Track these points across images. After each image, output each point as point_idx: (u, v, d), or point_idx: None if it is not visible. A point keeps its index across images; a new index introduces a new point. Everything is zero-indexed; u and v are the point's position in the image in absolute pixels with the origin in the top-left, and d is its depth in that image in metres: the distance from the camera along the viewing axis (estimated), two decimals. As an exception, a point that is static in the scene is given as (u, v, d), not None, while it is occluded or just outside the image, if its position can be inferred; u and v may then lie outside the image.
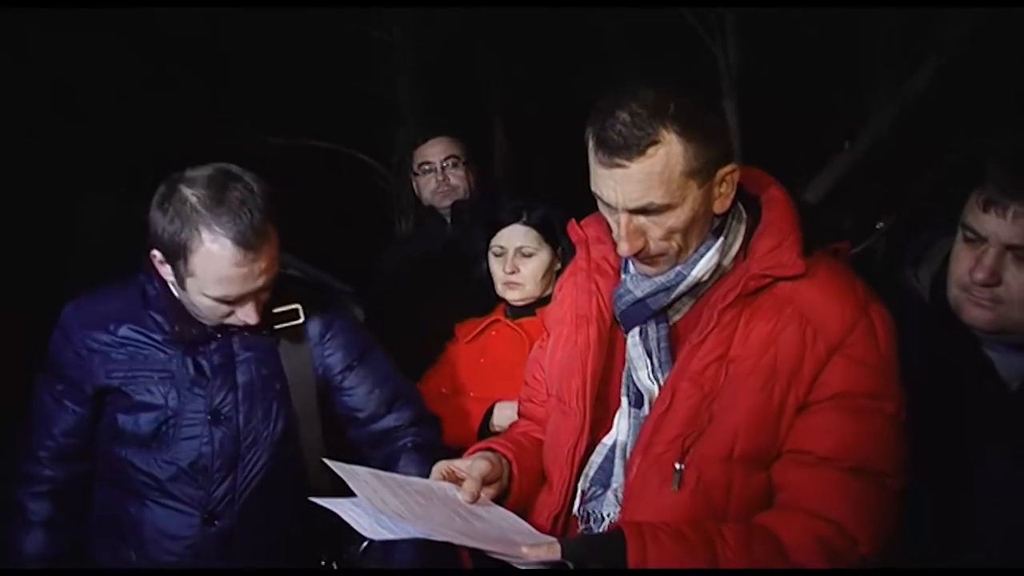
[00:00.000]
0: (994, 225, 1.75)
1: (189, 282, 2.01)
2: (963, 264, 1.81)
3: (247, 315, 2.05)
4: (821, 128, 4.21)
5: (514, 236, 2.71)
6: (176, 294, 2.12)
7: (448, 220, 3.29)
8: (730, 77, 4.01)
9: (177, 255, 1.99)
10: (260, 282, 2.02)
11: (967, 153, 3.51)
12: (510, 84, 4.95)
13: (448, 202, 3.26)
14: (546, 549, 1.46)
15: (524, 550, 1.46)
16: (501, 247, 2.73)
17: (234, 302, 2.03)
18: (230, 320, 2.07)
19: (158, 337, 2.13)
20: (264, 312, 2.12)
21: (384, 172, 4.81)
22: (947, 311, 1.87)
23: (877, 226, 4.08)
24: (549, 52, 4.66)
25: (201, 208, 1.94)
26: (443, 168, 3.29)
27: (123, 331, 2.13)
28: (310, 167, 4.50)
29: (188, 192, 1.96)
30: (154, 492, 2.11)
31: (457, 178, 3.30)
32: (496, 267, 2.74)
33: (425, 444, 2.27)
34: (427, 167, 3.32)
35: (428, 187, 3.31)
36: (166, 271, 2.06)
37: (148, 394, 2.10)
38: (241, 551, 2.14)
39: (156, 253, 2.04)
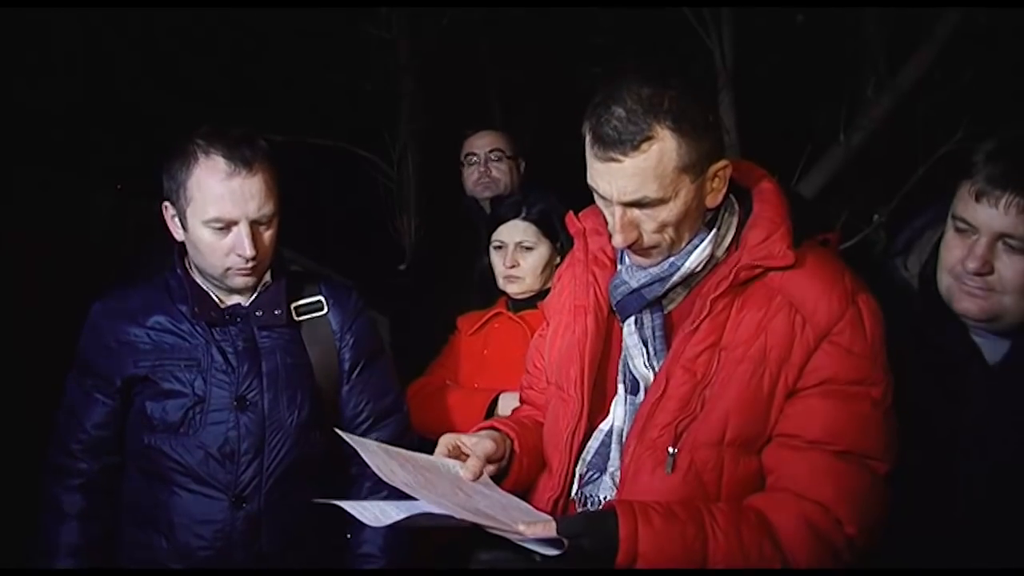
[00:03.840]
0: (986, 215, 1.78)
1: (189, 214, 2.11)
2: (954, 254, 1.84)
3: (242, 244, 2.10)
4: (817, 121, 4.23)
5: (514, 231, 2.76)
6: (188, 258, 2.22)
7: (487, 211, 3.30)
8: (726, 71, 4.04)
9: (178, 185, 2.12)
10: (253, 206, 2.10)
11: (959, 146, 3.55)
12: (507, 80, 4.98)
13: (488, 194, 3.29)
14: (542, 526, 1.52)
15: (521, 527, 1.52)
16: (501, 241, 2.78)
17: (229, 227, 2.10)
18: (231, 262, 2.13)
19: (184, 327, 2.20)
20: (286, 302, 2.24)
21: (386, 168, 4.83)
22: (936, 299, 1.90)
23: (874, 217, 4.10)
24: (545, 49, 4.70)
25: (200, 141, 2.11)
26: (487, 160, 3.33)
27: (151, 322, 2.21)
28: (312, 164, 4.53)
29: (193, 137, 2.12)
30: (183, 478, 2.17)
31: (500, 171, 3.33)
32: (497, 261, 2.79)
33: None
34: (472, 159, 3.36)
35: (471, 178, 3.35)
36: (175, 224, 2.18)
37: (175, 381, 2.17)
38: (269, 534, 2.20)
39: (166, 204, 2.17)
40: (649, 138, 1.59)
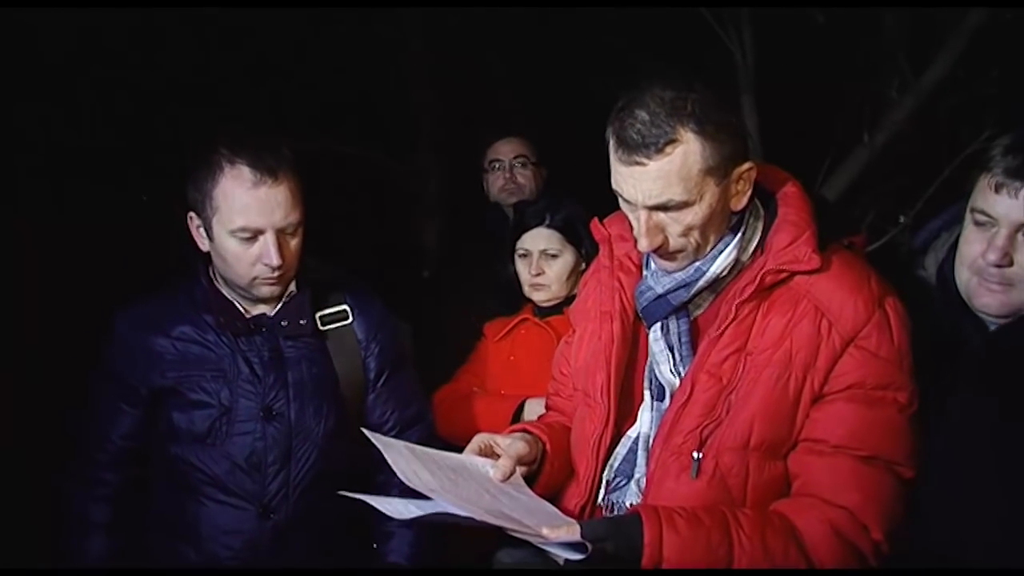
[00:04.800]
0: (1006, 206, 1.77)
1: (215, 224, 2.11)
2: (974, 247, 1.83)
3: (269, 253, 2.10)
4: (840, 122, 4.20)
5: (538, 239, 2.76)
6: (213, 268, 2.22)
7: (510, 217, 3.31)
8: (747, 73, 4.02)
9: (203, 195, 2.11)
10: (279, 215, 2.09)
11: (985, 145, 3.51)
12: (522, 86, 4.97)
13: (513, 200, 3.26)
14: (566, 530, 1.52)
15: (545, 531, 1.52)
16: (526, 249, 2.78)
17: (255, 236, 2.10)
18: (258, 271, 2.13)
19: (210, 337, 2.20)
20: (311, 312, 2.24)
21: (408, 175, 4.83)
22: (955, 297, 1.88)
23: (900, 219, 4.06)
24: (562, 54, 4.68)
25: (225, 150, 2.10)
26: (512, 167, 3.34)
27: (176, 332, 2.21)
28: (333, 173, 4.53)
29: (217, 147, 2.11)
30: (211, 488, 2.18)
31: (525, 177, 3.34)
32: (522, 269, 2.80)
33: None
34: (497, 164, 3.36)
35: (496, 184, 3.36)
36: (200, 234, 2.17)
37: (202, 392, 2.18)
38: (296, 544, 2.21)
39: (191, 215, 2.16)
40: (673, 141, 1.59)
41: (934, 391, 1.78)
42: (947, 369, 1.83)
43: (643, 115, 1.60)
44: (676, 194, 1.62)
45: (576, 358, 1.90)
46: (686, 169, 1.60)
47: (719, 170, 1.63)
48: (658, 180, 1.61)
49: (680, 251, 1.70)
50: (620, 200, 1.71)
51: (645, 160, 1.60)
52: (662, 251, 1.69)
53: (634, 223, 1.70)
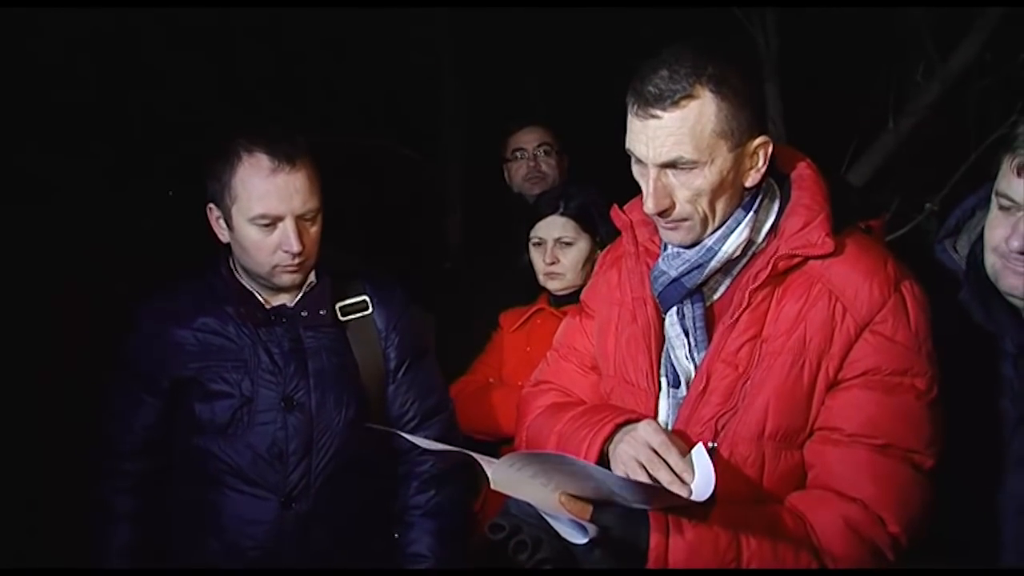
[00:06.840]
0: None
1: (234, 213, 2.13)
2: (999, 232, 1.79)
3: (288, 240, 2.11)
4: (865, 107, 4.14)
5: (552, 227, 2.75)
6: (233, 259, 2.24)
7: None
8: (771, 59, 3.98)
9: (222, 185, 2.13)
10: (298, 201, 2.11)
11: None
12: (548, 79, 4.96)
13: (538, 189, 3.25)
14: (580, 507, 1.51)
15: (562, 499, 1.50)
16: (540, 238, 2.77)
17: (275, 223, 2.11)
18: (278, 259, 2.14)
19: (230, 328, 2.22)
20: (331, 302, 2.26)
21: (429, 166, 4.83)
22: (984, 280, 1.85)
23: (926, 206, 4.01)
24: (586, 47, 4.66)
25: (242, 140, 2.13)
26: (535, 155, 3.33)
27: (198, 323, 2.22)
28: (354, 165, 4.54)
29: (235, 137, 2.14)
30: (233, 479, 2.19)
31: (548, 166, 3.32)
32: (536, 258, 2.79)
33: (440, 474, 2.35)
34: (520, 154, 3.35)
35: (519, 173, 3.34)
36: (219, 226, 2.19)
37: (223, 383, 2.19)
38: (318, 534, 2.21)
39: (210, 206, 2.19)
40: (690, 96, 1.58)
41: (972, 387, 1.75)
42: (982, 360, 1.80)
43: (663, 72, 1.60)
44: (687, 151, 1.60)
45: (606, 342, 1.87)
46: (700, 126, 1.59)
47: (733, 136, 1.61)
48: (672, 134, 1.60)
49: (686, 219, 1.67)
50: (633, 165, 1.69)
51: (660, 112, 1.59)
52: (667, 216, 1.66)
53: (643, 186, 1.67)
